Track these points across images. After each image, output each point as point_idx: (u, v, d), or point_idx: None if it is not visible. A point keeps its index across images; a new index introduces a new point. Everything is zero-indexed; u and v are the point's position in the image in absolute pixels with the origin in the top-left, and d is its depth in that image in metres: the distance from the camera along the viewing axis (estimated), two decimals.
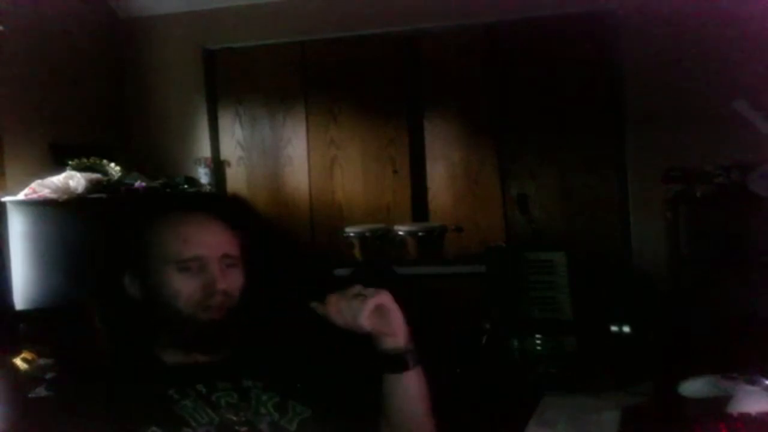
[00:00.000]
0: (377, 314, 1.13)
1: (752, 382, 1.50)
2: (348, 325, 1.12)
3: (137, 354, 1.20)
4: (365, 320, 1.11)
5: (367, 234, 3.33)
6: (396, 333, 1.15)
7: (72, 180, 2.98)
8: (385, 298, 1.14)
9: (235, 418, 1.13)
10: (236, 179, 3.92)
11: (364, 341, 1.14)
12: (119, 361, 1.21)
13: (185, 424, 1.09)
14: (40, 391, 2.18)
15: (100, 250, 2.68)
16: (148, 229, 1.20)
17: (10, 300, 2.96)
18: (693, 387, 1.63)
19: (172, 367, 1.17)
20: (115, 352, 1.27)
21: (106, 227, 2.58)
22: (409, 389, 1.17)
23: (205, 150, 3.88)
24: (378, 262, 3.26)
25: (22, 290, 2.99)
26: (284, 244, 3.64)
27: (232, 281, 1.18)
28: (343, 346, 1.12)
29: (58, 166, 3.18)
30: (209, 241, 1.18)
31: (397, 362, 1.15)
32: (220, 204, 1.24)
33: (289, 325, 1.18)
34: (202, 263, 1.16)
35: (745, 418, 1.34)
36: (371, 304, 1.11)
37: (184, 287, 1.15)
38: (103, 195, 3.05)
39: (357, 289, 1.14)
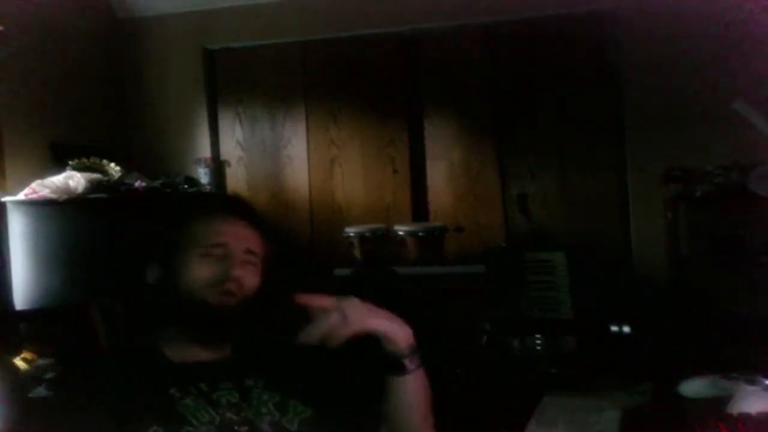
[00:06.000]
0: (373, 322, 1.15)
1: (752, 382, 1.50)
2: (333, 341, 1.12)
3: (141, 351, 1.20)
4: (341, 339, 1.11)
5: (367, 234, 3.33)
6: (392, 339, 1.16)
7: (72, 180, 2.98)
8: (370, 323, 1.13)
9: (235, 418, 1.13)
10: (236, 179, 3.92)
11: (368, 342, 1.15)
12: (122, 359, 1.21)
13: (186, 423, 1.09)
14: (40, 391, 2.18)
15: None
16: (182, 220, 1.26)
17: (10, 300, 2.96)
18: (693, 387, 1.63)
19: (175, 365, 1.18)
20: (118, 349, 1.28)
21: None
22: (408, 392, 1.18)
23: (205, 150, 3.88)
24: (378, 263, 3.26)
25: (22, 290, 2.99)
26: (286, 246, 3.65)
27: (248, 275, 1.22)
28: (346, 346, 1.12)
29: (58, 166, 3.18)
30: (235, 234, 1.23)
31: (395, 365, 1.16)
32: (252, 211, 1.30)
33: (290, 325, 1.18)
34: (225, 251, 1.21)
35: (745, 418, 1.34)
36: (348, 332, 1.11)
37: (202, 271, 1.19)
38: (103, 195, 3.05)
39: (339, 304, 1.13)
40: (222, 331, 1.20)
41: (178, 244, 1.22)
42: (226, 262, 1.20)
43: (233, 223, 1.25)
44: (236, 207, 1.31)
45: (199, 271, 1.19)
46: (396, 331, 1.16)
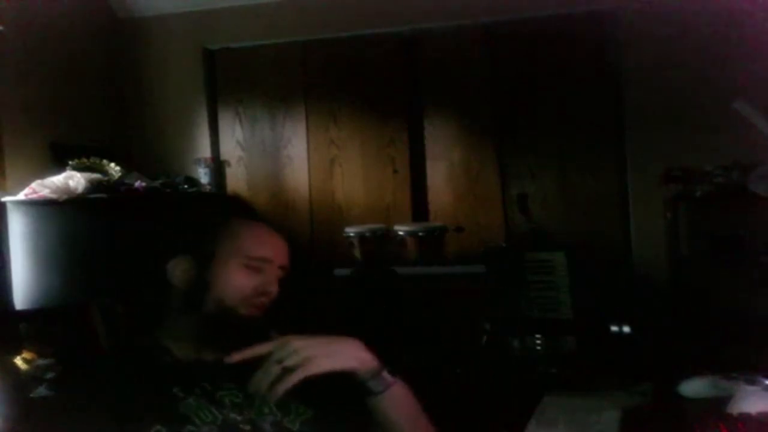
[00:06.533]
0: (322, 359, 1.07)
1: (752, 382, 1.50)
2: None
3: (143, 350, 1.20)
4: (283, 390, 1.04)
5: (367, 234, 3.33)
6: (347, 372, 1.11)
7: (72, 180, 2.98)
8: (312, 368, 1.05)
9: (238, 418, 1.13)
10: (236, 179, 3.92)
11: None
12: (123, 359, 1.21)
13: (189, 422, 1.09)
14: (41, 391, 2.18)
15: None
16: (222, 223, 1.26)
17: (10, 300, 2.96)
18: (693, 387, 1.63)
19: (178, 365, 1.17)
20: (120, 349, 1.27)
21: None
22: (388, 408, 1.14)
23: (205, 150, 3.88)
24: (378, 263, 3.26)
25: (22, 290, 2.99)
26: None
27: (276, 288, 1.24)
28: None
29: (58, 166, 3.18)
30: (277, 249, 1.26)
31: (363, 390, 1.13)
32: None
33: (292, 326, 1.18)
34: (266, 265, 1.22)
35: (745, 418, 1.34)
36: (290, 383, 1.04)
37: (242, 282, 1.20)
38: (103, 195, 3.05)
39: (278, 355, 1.05)
40: (242, 340, 1.16)
41: (215, 250, 1.21)
42: (265, 277, 1.22)
43: (273, 235, 1.27)
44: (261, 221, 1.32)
45: (238, 282, 1.20)
46: (346, 364, 1.10)
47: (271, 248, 1.25)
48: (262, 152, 3.90)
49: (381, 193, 3.73)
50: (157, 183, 3.31)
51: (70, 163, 3.20)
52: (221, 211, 1.31)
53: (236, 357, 1.08)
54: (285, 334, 1.13)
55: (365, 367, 1.12)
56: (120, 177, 3.23)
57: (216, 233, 1.24)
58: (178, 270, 1.22)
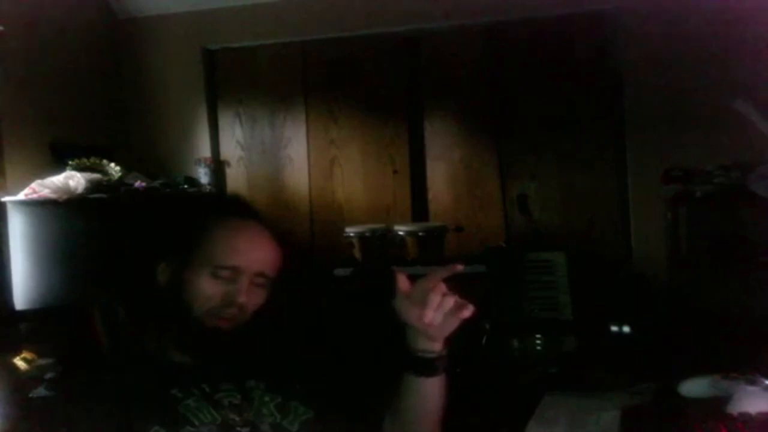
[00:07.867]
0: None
1: (752, 382, 1.50)
2: (414, 317, 1.09)
3: (143, 351, 1.20)
4: (439, 320, 1.08)
5: (367, 234, 3.32)
6: (441, 339, 1.13)
7: (72, 180, 2.98)
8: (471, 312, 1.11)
9: (237, 419, 1.13)
10: (236, 179, 3.92)
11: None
12: (123, 359, 1.21)
13: (188, 423, 1.09)
14: (40, 391, 2.18)
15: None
16: (204, 226, 1.20)
17: (10, 300, 2.96)
18: (693, 387, 1.63)
19: (177, 366, 1.17)
20: (120, 349, 1.27)
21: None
22: (430, 393, 1.15)
23: (205, 150, 3.88)
24: (378, 263, 3.26)
25: (22, 290, 2.99)
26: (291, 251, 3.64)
27: (254, 299, 1.18)
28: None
29: (58, 166, 3.18)
30: (252, 256, 1.18)
31: (427, 366, 1.13)
32: (267, 225, 1.22)
33: (292, 327, 1.17)
34: (235, 274, 1.16)
35: (745, 418, 1.34)
36: (466, 314, 1.10)
37: (207, 291, 1.15)
38: (103, 195, 3.05)
39: (443, 288, 1.11)
40: (210, 348, 1.16)
41: (189, 256, 1.17)
42: (234, 287, 1.15)
43: (250, 240, 1.19)
44: (255, 220, 1.23)
45: (204, 292, 1.15)
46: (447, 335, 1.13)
47: (243, 256, 1.16)
48: (262, 152, 3.90)
49: (381, 193, 3.73)
50: (157, 183, 3.31)
51: (70, 163, 3.19)
52: (210, 212, 1.24)
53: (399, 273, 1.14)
54: (284, 335, 1.13)
55: (444, 345, 1.14)
56: (120, 177, 3.23)
57: (193, 238, 1.18)
58: (161, 275, 1.21)
